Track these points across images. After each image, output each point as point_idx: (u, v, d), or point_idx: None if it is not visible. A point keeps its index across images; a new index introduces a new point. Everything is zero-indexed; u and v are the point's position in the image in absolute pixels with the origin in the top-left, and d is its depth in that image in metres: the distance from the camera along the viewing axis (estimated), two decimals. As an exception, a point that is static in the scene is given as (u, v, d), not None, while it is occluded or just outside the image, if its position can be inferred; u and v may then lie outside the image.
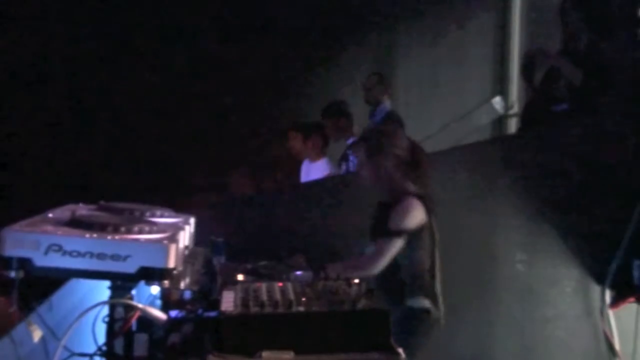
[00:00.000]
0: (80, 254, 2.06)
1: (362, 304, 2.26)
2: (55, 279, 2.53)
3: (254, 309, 2.22)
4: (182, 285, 2.35)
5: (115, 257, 2.07)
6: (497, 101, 8.29)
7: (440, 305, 3.72)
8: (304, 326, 2.20)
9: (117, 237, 2.13)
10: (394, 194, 3.73)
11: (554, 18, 5.36)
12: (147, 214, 2.61)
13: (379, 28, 7.75)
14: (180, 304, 2.51)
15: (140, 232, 2.19)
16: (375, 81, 6.71)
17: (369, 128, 4.07)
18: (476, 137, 7.42)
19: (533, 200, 4.56)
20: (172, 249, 2.11)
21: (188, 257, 2.56)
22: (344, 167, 6.29)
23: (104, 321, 2.26)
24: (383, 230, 3.65)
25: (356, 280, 2.47)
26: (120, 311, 2.22)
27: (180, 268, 2.20)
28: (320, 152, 6.39)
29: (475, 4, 8.15)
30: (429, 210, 3.71)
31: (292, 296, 2.30)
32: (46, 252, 2.05)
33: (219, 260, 3.00)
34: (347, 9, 7.50)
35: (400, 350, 2.18)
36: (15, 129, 6.46)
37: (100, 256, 2.07)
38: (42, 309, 2.49)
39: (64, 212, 2.47)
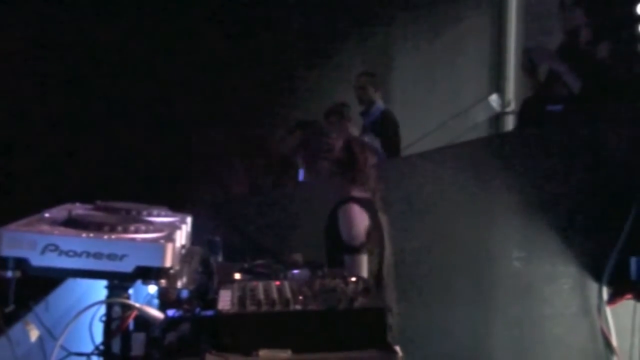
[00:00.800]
0: (76, 254, 2.06)
1: (359, 302, 2.26)
2: (52, 279, 2.53)
3: (251, 308, 2.22)
4: (179, 284, 2.35)
5: (111, 257, 2.07)
6: (493, 99, 8.30)
7: (393, 312, 3.59)
8: (301, 325, 2.20)
9: (113, 236, 2.13)
10: (337, 196, 3.69)
11: (552, 15, 5.36)
12: (144, 213, 2.61)
13: (376, 26, 7.75)
14: (177, 303, 2.51)
15: (137, 231, 2.19)
16: (367, 80, 6.70)
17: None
18: (473, 135, 7.43)
19: (530, 197, 4.57)
20: (169, 248, 2.11)
21: (185, 256, 2.55)
22: None
23: (101, 321, 2.25)
24: (332, 240, 3.61)
25: (353, 279, 2.47)
26: (117, 310, 2.22)
27: (177, 267, 2.20)
28: None
29: (471, 2, 8.16)
30: (372, 214, 3.64)
31: (289, 295, 2.30)
32: (43, 252, 2.05)
33: (215, 259, 3.00)
34: (345, 8, 7.50)
35: (397, 349, 2.18)
36: (12, 128, 6.45)
37: (97, 256, 2.07)
38: (39, 308, 2.49)
39: (60, 211, 2.47)
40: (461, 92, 8.16)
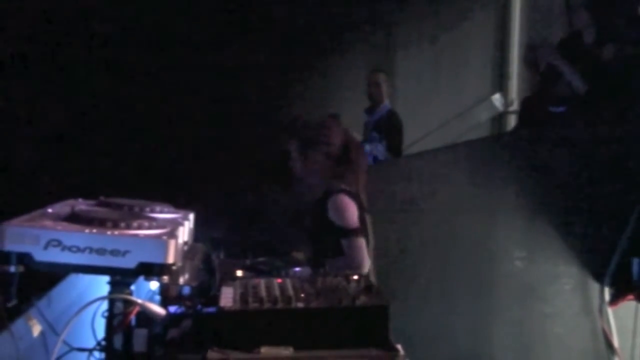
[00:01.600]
0: (79, 249, 2.06)
1: (361, 300, 2.26)
2: (54, 274, 2.54)
3: (252, 305, 2.23)
4: (181, 280, 2.35)
5: (114, 253, 2.07)
6: (496, 98, 8.29)
7: None
8: (302, 322, 2.20)
9: (116, 232, 2.13)
10: (321, 189, 3.70)
11: (556, 15, 5.36)
12: (147, 209, 2.61)
13: (379, 26, 7.74)
14: (179, 299, 2.52)
15: (140, 227, 2.19)
16: (383, 77, 6.59)
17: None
18: (475, 134, 7.42)
19: (532, 197, 4.57)
20: (172, 245, 2.11)
21: (187, 253, 2.56)
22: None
23: (103, 316, 2.26)
24: (321, 228, 3.61)
25: (355, 277, 2.47)
26: (119, 306, 2.22)
27: (179, 264, 2.20)
28: None
29: (475, 1, 8.15)
30: (361, 208, 3.65)
31: (291, 292, 2.31)
32: (46, 247, 2.05)
33: (218, 256, 3.00)
34: (346, 7, 7.49)
35: (399, 347, 2.19)
36: (14, 125, 6.46)
37: (100, 251, 2.07)
38: (42, 303, 2.49)
39: (63, 207, 2.47)
40: (464, 92, 8.15)
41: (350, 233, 3.54)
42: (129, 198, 2.74)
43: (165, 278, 2.12)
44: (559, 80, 4.94)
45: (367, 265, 3.52)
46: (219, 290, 2.42)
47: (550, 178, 4.57)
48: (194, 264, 2.62)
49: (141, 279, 2.15)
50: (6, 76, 6.41)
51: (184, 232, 2.51)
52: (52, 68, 6.65)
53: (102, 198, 2.74)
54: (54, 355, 2.17)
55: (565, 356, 4.60)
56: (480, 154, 4.75)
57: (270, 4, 7.29)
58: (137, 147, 6.72)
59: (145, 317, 2.26)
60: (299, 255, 3.52)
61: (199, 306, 2.43)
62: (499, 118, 8.33)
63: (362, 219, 3.63)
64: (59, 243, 2.06)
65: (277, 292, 2.32)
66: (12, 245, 2.04)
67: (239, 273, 2.81)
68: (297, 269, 2.86)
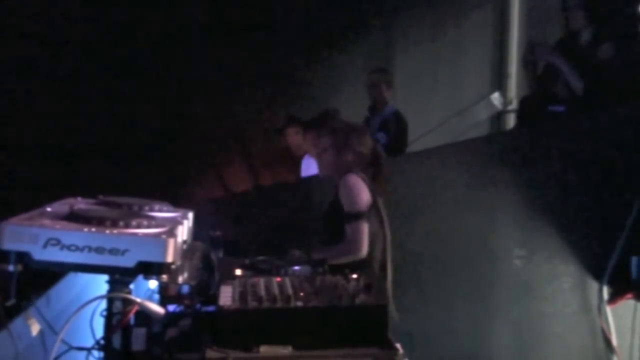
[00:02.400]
0: (78, 248, 2.06)
1: (360, 299, 2.26)
2: (53, 273, 2.54)
3: (252, 304, 2.23)
4: (180, 279, 2.35)
5: (113, 251, 2.07)
6: (495, 97, 8.29)
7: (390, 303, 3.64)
8: (302, 321, 2.20)
9: (115, 231, 2.13)
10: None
11: (553, 14, 5.36)
12: (146, 208, 2.61)
13: (378, 24, 7.74)
14: (178, 298, 2.52)
15: (139, 226, 2.19)
16: (381, 77, 6.48)
17: (340, 122, 4.09)
18: (475, 133, 7.42)
19: (531, 196, 4.57)
20: (171, 244, 2.11)
21: (186, 252, 2.56)
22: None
23: (102, 315, 2.26)
24: (336, 215, 3.65)
25: (354, 275, 2.47)
26: (118, 305, 2.22)
27: (178, 262, 2.20)
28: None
29: (474, 0, 8.15)
30: (371, 191, 3.69)
31: (290, 291, 2.31)
32: (44, 246, 2.05)
33: (217, 255, 3.00)
34: (345, 6, 7.49)
35: (398, 346, 2.18)
36: (14, 123, 6.46)
37: (99, 250, 2.07)
38: (40, 302, 2.50)
39: (62, 206, 2.47)
40: (463, 90, 8.15)
41: (353, 217, 3.59)
42: (128, 197, 2.74)
43: (164, 277, 2.12)
44: (558, 80, 4.94)
45: (365, 251, 3.56)
46: (218, 289, 2.42)
47: (549, 177, 4.57)
48: (193, 262, 2.62)
49: (140, 277, 2.15)
50: (6, 77, 6.42)
51: (183, 231, 2.50)
52: (52, 68, 6.65)
53: (100, 197, 2.74)
54: (53, 354, 2.17)
55: (564, 355, 4.61)
56: (479, 153, 4.75)
57: (270, 3, 7.30)
58: (136, 147, 6.72)
59: (144, 316, 2.26)
60: (298, 254, 3.51)
61: (198, 305, 2.43)
62: (498, 117, 8.33)
63: (376, 205, 3.67)
64: (57, 242, 2.06)
65: (276, 291, 2.32)
66: (11, 244, 2.04)
67: (238, 272, 2.81)
68: (297, 267, 2.85)
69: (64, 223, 2.17)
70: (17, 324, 2.32)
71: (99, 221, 2.17)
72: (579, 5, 4.91)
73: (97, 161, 6.58)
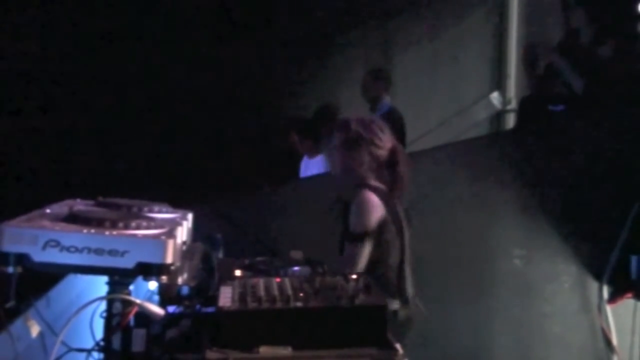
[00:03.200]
0: (78, 250, 2.06)
1: (360, 299, 2.26)
2: (53, 275, 2.53)
3: (251, 305, 2.22)
4: (180, 280, 2.35)
5: (113, 253, 2.07)
6: (495, 97, 8.30)
7: (410, 304, 3.51)
8: (301, 322, 2.20)
9: (114, 232, 2.13)
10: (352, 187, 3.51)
11: (553, 13, 5.36)
12: (145, 209, 2.61)
13: (377, 24, 7.74)
14: (178, 299, 2.51)
15: (138, 227, 2.19)
16: (370, 79, 6.66)
17: (355, 118, 3.74)
18: (474, 133, 7.43)
19: (531, 196, 4.57)
20: (170, 245, 2.11)
21: (186, 253, 2.55)
22: None
23: (101, 316, 2.26)
24: (347, 233, 3.45)
25: (354, 276, 2.47)
26: (118, 306, 2.22)
27: (178, 263, 2.20)
28: (317, 148, 6.37)
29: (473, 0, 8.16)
30: (389, 204, 3.46)
31: (289, 292, 2.30)
32: (44, 248, 2.05)
33: (216, 256, 3.00)
34: (345, 6, 7.49)
35: (398, 346, 2.18)
36: (14, 125, 6.46)
37: (98, 251, 2.07)
38: (40, 304, 2.49)
39: (61, 207, 2.47)
40: (462, 90, 8.15)
41: (354, 238, 3.40)
42: (127, 198, 2.74)
43: (164, 278, 2.12)
44: (558, 79, 4.95)
45: (358, 270, 3.30)
46: (217, 290, 2.41)
47: (549, 176, 4.57)
48: (192, 263, 2.62)
49: (140, 279, 2.15)
50: (7, 77, 6.42)
51: (183, 232, 2.50)
52: (51, 68, 6.65)
53: (100, 198, 2.74)
54: (53, 356, 2.17)
55: (564, 354, 4.61)
56: (479, 153, 4.75)
57: (270, 2, 7.30)
58: (136, 147, 6.72)
59: (144, 317, 2.26)
60: (299, 255, 3.51)
61: (198, 306, 2.43)
62: (498, 116, 8.34)
63: (394, 215, 3.46)
64: (57, 243, 2.06)
65: (275, 291, 2.32)
66: (10, 246, 2.04)
67: (238, 273, 2.81)
68: (296, 268, 2.85)
69: (63, 224, 2.17)
70: (16, 325, 2.32)
71: (98, 222, 2.17)
72: (579, 5, 4.92)
73: (97, 161, 6.59)
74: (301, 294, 2.30)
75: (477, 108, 8.24)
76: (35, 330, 2.35)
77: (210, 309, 2.32)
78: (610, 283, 4.52)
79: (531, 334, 4.60)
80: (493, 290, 4.62)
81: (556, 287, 4.60)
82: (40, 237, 2.05)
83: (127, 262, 2.08)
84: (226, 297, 2.29)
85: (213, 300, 2.34)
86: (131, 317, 2.24)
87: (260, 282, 2.46)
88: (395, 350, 2.17)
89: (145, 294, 2.61)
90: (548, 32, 6.64)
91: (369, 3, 7.63)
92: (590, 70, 4.79)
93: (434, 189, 4.57)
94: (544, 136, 4.69)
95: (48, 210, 2.38)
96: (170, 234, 2.19)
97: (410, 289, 3.54)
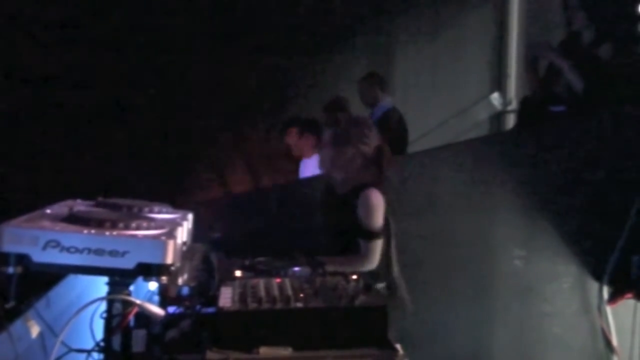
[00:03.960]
0: (78, 250, 2.06)
1: (360, 300, 2.26)
2: (53, 275, 2.53)
3: (251, 305, 2.23)
4: (180, 281, 2.35)
5: (113, 253, 2.07)
6: (495, 97, 8.30)
7: (400, 291, 3.66)
8: (302, 322, 2.20)
9: (115, 233, 2.13)
10: (348, 185, 3.67)
11: (553, 14, 5.36)
12: (145, 210, 2.61)
13: (377, 25, 7.75)
14: (178, 300, 2.51)
15: (138, 228, 2.19)
16: (366, 84, 6.66)
17: (344, 118, 3.93)
18: (474, 134, 7.43)
19: (531, 196, 4.56)
20: (170, 245, 2.11)
21: (186, 253, 2.56)
22: None
23: (102, 317, 2.26)
24: (349, 228, 3.58)
25: (354, 277, 2.47)
26: (118, 307, 2.22)
27: (178, 264, 2.20)
28: (313, 149, 6.38)
29: (473, 0, 8.16)
30: (386, 197, 3.65)
31: (290, 292, 2.31)
32: (44, 248, 2.05)
33: (216, 257, 3.00)
34: (345, 7, 7.50)
35: (398, 346, 2.18)
36: (14, 125, 6.46)
37: (98, 252, 2.07)
38: (40, 304, 2.49)
39: (61, 208, 2.47)
40: (462, 91, 8.16)
41: (371, 235, 3.54)
42: (128, 198, 2.74)
43: (164, 278, 2.12)
44: (558, 80, 4.94)
45: (375, 265, 3.54)
46: (218, 290, 2.42)
47: (549, 177, 4.57)
48: (192, 264, 2.62)
49: (140, 279, 2.15)
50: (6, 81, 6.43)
51: (183, 233, 2.51)
52: (52, 69, 6.66)
53: (100, 199, 2.74)
54: (53, 356, 2.17)
55: (564, 355, 4.60)
56: (479, 153, 4.75)
57: (270, 2, 7.30)
58: (135, 147, 6.72)
59: (144, 317, 2.26)
60: (299, 255, 3.50)
61: (198, 306, 2.43)
62: (498, 117, 8.34)
63: (386, 219, 3.63)
64: (57, 244, 2.06)
65: (276, 292, 2.32)
66: (11, 246, 2.04)
67: (238, 273, 2.81)
68: (296, 268, 2.85)
69: (63, 225, 2.17)
70: (16, 326, 2.32)
71: (98, 223, 2.17)
72: (579, 5, 4.92)
73: (97, 162, 6.59)
74: (301, 295, 2.30)
75: (478, 108, 8.25)
76: (35, 330, 2.35)
77: (210, 310, 2.32)
78: (611, 283, 4.51)
79: (531, 334, 4.60)
80: (493, 291, 4.62)
81: (556, 287, 4.59)
82: (41, 238, 2.06)
83: (127, 263, 2.08)
84: (226, 297, 2.30)
85: (213, 300, 2.35)
86: (131, 318, 2.24)
87: (261, 282, 2.46)
88: (396, 350, 2.17)
89: (146, 295, 2.61)
90: (548, 32, 6.64)
91: (370, 4, 7.64)
92: (590, 70, 4.78)
93: (435, 189, 4.57)
94: (544, 137, 4.68)
95: (48, 211, 2.38)
96: (171, 235, 2.19)
97: (395, 268, 3.70)
